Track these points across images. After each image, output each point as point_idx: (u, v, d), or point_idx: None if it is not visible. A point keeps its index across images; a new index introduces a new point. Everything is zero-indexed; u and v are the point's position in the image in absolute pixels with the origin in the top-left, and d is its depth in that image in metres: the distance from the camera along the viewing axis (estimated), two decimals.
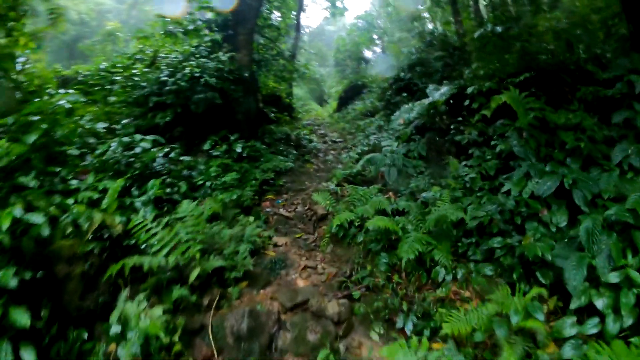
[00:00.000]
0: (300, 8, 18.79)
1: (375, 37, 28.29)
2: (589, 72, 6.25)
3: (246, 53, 9.84)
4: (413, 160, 6.72)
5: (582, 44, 7.29)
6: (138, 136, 5.92)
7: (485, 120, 6.21)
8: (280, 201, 6.44)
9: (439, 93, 6.90)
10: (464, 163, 5.78)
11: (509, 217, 4.30)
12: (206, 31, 10.10)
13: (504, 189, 4.71)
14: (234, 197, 5.33)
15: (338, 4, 24.56)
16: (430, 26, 22.59)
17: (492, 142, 5.57)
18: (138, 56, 10.11)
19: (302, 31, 34.52)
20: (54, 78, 10.50)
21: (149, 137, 6.06)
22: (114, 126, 8.81)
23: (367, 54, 26.46)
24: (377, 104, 13.34)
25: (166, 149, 6.37)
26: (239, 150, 7.25)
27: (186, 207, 4.22)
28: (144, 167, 5.57)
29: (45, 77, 8.72)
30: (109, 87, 8.35)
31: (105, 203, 4.33)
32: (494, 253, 4.02)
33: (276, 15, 11.41)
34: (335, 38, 28.78)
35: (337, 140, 12.33)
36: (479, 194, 5.03)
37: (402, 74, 11.52)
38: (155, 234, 3.76)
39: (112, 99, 8.58)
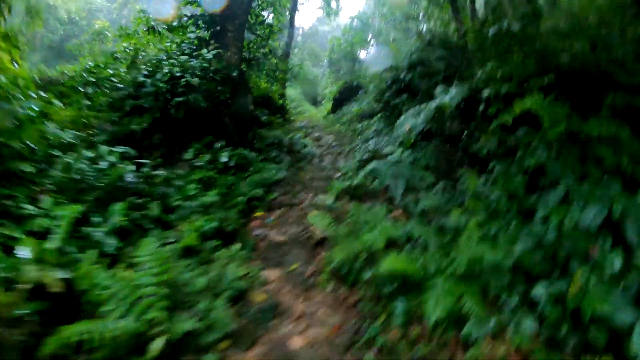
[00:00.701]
0: (294, 6, 17.85)
1: (370, 37, 27.43)
2: (610, 75, 5.42)
3: (235, 51, 8.90)
4: (421, 171, 5.85)
5: (603, 45, 6.46)
6: (104, 148, 5.00)
7: (504, 128, 5.35)
8: (271, 219, 5.54)
9: (448, 96, 6.02)
10: (483, 178, 4.91)
11: (550, 253, 3.43)
12: (193, 27, 9.20)
13: (539, 214, 3.85)
14: (214, 223, 4.41)
15: (332, 3, 23.69)
16: (425, 26, 21.84)
17: (518, 155, 4.71)
18: (118, 55, 9.12)
19: (296, 31, 33.57)
20: (38, 79, 9.63)
21: (119, 149, 5.14)
22: (90, 133, 7.88)
23: (362, 54, 25.58)
24: (375, 106, 12.45)
25: (147, 161, 5.47)
26: (224, 159, 6.33)
27: (150, 247, 3.28)
28: (111, 186, 4.63)
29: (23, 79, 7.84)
30: (82, 89, 7.37)
31: (56, 238, 3.43)
32: (535, 301, 3.15)
33: (268, 12, 10.49)
34: (330, 38, 27.86)
35: (333, 144, 11.43)
36: (506, 218, 4.17)
37: (402, 75, 10.63)
38: (108, 287, 2.84)
39: (89, 102, 7.66)
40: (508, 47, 6.77)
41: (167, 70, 6.63)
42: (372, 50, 28.27)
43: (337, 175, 7.39)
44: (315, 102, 25.08)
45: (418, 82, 10.15)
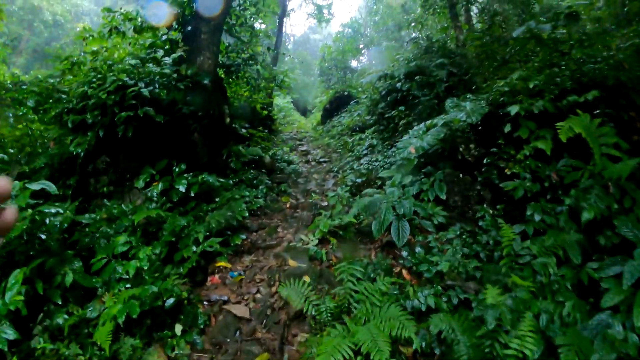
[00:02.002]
0: (283, 12, 16.50)
1: (361, 46, 26.19)
2: None
3: (210, 56, 7.47)
4: (427, 205, 4.47)
5: None
6: (15, 183, 3.55)
7: (538, 154, 4.00)
8: (235, 274, 4.09)
9: (463, 113, 4.65)
10: (517, 228, 3.53)
11: None
12: (166, 29, 7.79)
13: (607, 299, 2.51)
14: (146, 297, 2.97)
15: (324, 11, 22.42)
16: (419, 34, 20.63)
17: (567, 202, 3.35)
18: (74, 59, 7.62)
19: (288, 38, 32.18)
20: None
21: (34, 185, 3.68)
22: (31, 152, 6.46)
23: (354, 63, 24.33)
24: (367, 118, 11.10)
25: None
26: (182, 188, 4.88)
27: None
28: (16, 242, 3.19)
29: None
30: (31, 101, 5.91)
31: None
32: None
33: (251, 13, 9.10)
34: (321, 46, 26.55)
35: (322, 160, 10.03)
36: (561, 294, 2.80)
37: (398, 84, 9.28)
38: None
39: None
40: (532, 53, 5.46)
41: (113, 78, 5.18)
42: (363, 59, 27.05)
43: (325, 203, 5.97)
44: (305, 112, 23.69)
45: (417, 93, 8.82)
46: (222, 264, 4.22)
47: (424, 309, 3.02)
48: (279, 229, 5.36)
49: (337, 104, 15.94)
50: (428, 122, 5.31)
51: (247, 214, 4.82)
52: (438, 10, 14.84)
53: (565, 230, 3.20)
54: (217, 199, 5.19)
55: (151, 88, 5.39)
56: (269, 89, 9.82)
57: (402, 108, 8.95)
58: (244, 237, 4.76)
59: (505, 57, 7.50)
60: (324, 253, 4.20)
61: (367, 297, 2.83)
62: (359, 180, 6.68)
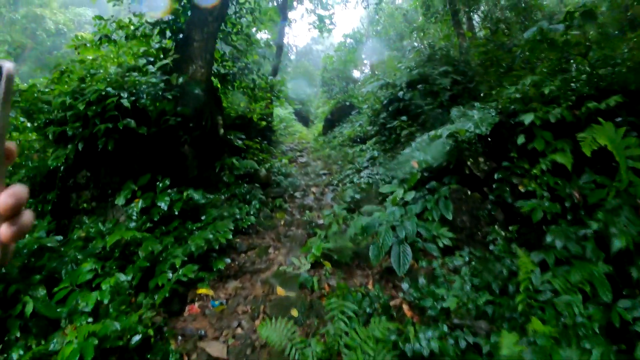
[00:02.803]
0: (284, 20, 16.20)
1: (363, 56, 25.91)
2: None
3: (202, 64, 7.09)
4: (432, 225, 3.99)
5: None
6: None
7: (556, 168, 3.53)
8: (216, 303, 3.62)
9: (471, 122, 4.19)
10: (537, 257, 3.03)
11: None
12: (160, 37, 7.47)
13: None
14: (108, 334, 2.51)
15: (326, 21, 22.15)
16: (417, 44, 20.28)
17: (593, 228, 2.87)
18: (62, 68, 7.26)
19: (289, 48, 31.88)
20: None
21: None
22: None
23: (356, 74, 24.01)
24: (369, 129, 10.66)
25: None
26: (164, 206, 4.43)
27: None
28: None
29: None
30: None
31: None
32: None
33: (248, 21, 8.72)
34: (323, 57, 26.29)
35: (321, 172, 9.58)
36: (587, 348, 2.30)
37: (400, 93, 8.85)
38: None
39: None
40: (544, 55, 5.01)
41: (95, 88, 4.79)
42: (365, 69, 26.72)
43: (321, 221, 5.50)
44: (307, 122, 23.30)
45: (420, 102, 8.38)
46: (203, 290, 3.75)
47: (426, 353, 2.53)
48: (270, 250, 4.89)
49: (338, 114, 15.54)
50: (432, 133, 4.85)
51: (231, 236, 4.35)
52: (440, 19, 14.50)
53: (592, 260, 2.71)
54: (203, 217, 4.74)
55: (134, 98, 4.98)
56: (267, 99, 9.40)
57: (404, 118, 8.51)
58: (228, 260, 4.29)
59: (510, 65, 7.06)
60: (315, 281, 3.72)
61: (359, 344, 2.36)
62: (358, 195, 6.21)
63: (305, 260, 4.17)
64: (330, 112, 16.10)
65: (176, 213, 4.53)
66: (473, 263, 3.39)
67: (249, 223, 5.37)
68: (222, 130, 6.98)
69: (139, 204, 4.47)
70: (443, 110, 7.68)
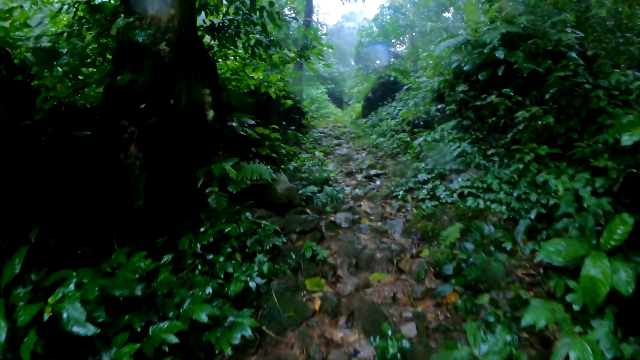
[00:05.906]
0: None
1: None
2: None
3: (173, 3, 3.88)
4: None
5: None
6: None
7: None
8: None
9: None
10: None
11: None
12: None
13: None
14: None
15: None
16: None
17: None
18: None
19: (318, 26, 27.87)
20: None
21: None
22: None
23: (399, 47, 20.32)
24: (433, 108, 7.29)
25: None
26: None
27: None
28: None
29: None
30: None
31: None
32: None
33: None
34: (357, 30, 22.51)
35: (372, 172, 6.33)
36: None
37: (497, 53, 5.47)
38: None
39: None
40: None
41: None
42: (401, 48, 22.74)
43: (396, 310, 2.35)
44: (341, 104, 19.87)
45: (531, 66, 4.97)
46: None
47: None
48: None
49: (382, 92, 12.10)
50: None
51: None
52: None
53: None
54: (176, 299, 1.70)
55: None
56: (291, 61, 6.03)
57: (507, 90, 5.12)
58: None
59: None
60: None
61: None
62: (458, 236, 2.98)
63: None
64: (371, 89, 12.63)
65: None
66: None
67: (242, 333, 2.27)
68: (211, 113, 3.85)
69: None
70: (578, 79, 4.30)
